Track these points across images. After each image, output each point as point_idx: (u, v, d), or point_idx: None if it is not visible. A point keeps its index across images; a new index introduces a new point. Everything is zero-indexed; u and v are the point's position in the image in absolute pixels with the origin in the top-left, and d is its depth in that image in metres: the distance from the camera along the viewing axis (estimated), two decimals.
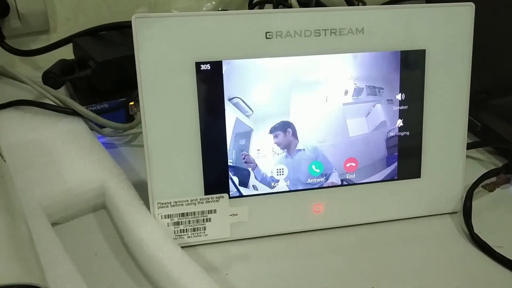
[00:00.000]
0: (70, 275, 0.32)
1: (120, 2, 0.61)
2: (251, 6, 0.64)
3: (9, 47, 0.55)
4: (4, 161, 0.32)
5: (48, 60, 0.54)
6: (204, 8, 0.64)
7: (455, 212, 0.42)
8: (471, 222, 0.40)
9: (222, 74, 0.36)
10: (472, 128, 0.52)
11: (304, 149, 0.39)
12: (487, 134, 0.51)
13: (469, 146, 0.50)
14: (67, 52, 0.55)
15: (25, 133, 0.44)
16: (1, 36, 0.55)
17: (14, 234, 0.25)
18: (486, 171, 0.46)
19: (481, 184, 0.45)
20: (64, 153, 0.42)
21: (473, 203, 0.43)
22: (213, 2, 0.64)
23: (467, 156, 0.49)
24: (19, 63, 0.59)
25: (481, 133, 0.51)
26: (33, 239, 0.28)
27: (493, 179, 0.46)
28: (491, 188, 0.45)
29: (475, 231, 0.40)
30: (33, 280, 0.24)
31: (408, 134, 0.40)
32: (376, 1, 0.68)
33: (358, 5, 0.64)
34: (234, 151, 0.37)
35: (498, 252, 0.38)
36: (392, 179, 0.41)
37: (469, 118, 0.51)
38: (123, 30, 0.54)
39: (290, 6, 0.57)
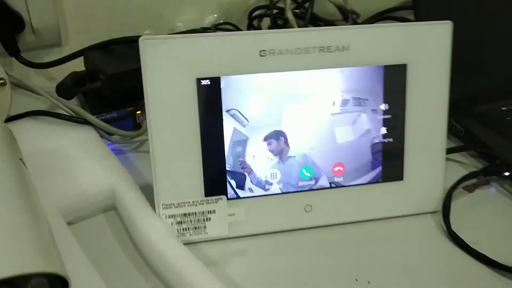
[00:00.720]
0: (84, 267, 0.36)
1: (128, 16, 0.64)
2: (251, 19, 0.68)
3: (24, 60, 0.59)
4: (26, 168, 0.36)
5: (61, 71, 0.58)
6: (207, 21, 0.67)
7: (436, 212, 0.46)
8: (449, 220, 0.44)
9: (220, 89, 0.40)
10: (456, 133, 0.55)
11: (295, 156, 0.42)
12: (470, 139, 0.54)
13: (453, 150, 0.53)
14: (77, 64, 0.58)
15: (41, 141, 0.48)
16: (17, 50, 0.59)
17: (37, 230, 0.29)
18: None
19: (462, 186, 0.49)
20: (77, 159, 0.46)
21: (454, 203, 0.46)
22: (215, 15, 0.68)
23: (451, 159, 0.53)
24: (33, 74, 0.62)
25: (464, 138, 0.54)
26: (53, 235, 0.32)
27: (474, 181, 0.49)
28: (471, 189, 0.49)
29: (453, 229, 0.43)
30: (56, 270, 0.27)
31: (391, 140, 0.44)
32: (368, 12, 0.72)
33: (352, 16, 0.67)
34: (231, 157, 0.41)
35: (473, 248, 0.41)
36: (377, 182, 0.44)
37: (453, 124, 0.54)
38: (131, 44, 0.57)
39: (286, 20, 0.61)
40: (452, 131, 0.55)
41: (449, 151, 0.52)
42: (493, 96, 0.57)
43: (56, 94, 0.53)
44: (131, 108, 0.54)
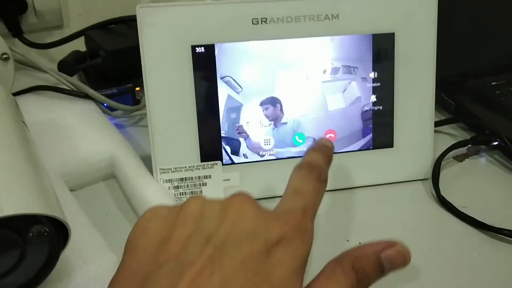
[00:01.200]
0: (84, 225, 0.37)
1: None
2: None
3: (27, 41, 0.61)
4: (28, 129, 0.38)
5: (62, 52, 0.59)
6: None
7: (426, 179, 0.47)
8: (439, 186, 0.45)
9: (214, 56, 0.41)
10: (446, 107, 0.56)
11: (287, 122, 0.44)
12: (460, 112, 0.55)
13: (443, 122, 0.54)
14: (79, 46, 0.60)
15: (44, 113, 0.49)
16: (20, 31, 0.61)
17: (39, 179, 0.31)
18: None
19: (452, 155, 0.50)
20: (79, 129, 0.47)
21: (444, 171, 0.47)
22: None
23: (442, 132, 0.54)
24: (35, 56, 0.64)
25: (454, 112, 0.56)
26: (53, 187, 0.33)
27: (464, 150, 0.51)
28: (461, 158, 0.50)
29: (442, 194, 0.44)
30: (57, 214, 0.29)
31: (381, 108, 0.45)
32: None
33: None
34: (226, 123, 0.43)
35: (462, 211, 0.43)
36: (367, 149, 0.46)
37: (444, 98, 0.56)
38: (130, 23, 0.58)
39: None
40: (443, 105, 0.56)
41: (439, 123, 0.54)
42: (483, 71, 0.58)
43: (58, 71, 0.55)
44: (130, 85, 0.55)
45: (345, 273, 0.25)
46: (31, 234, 0.29)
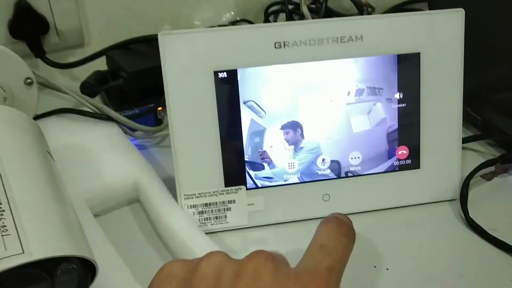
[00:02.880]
0: (110, 256, 0.37)
1: (147, 16, 0.66)
2: (267, 15, 0.69)
3: (49, 61, 0.61)
4: (53, 160, 0.38)
5: (84, 71, 0.60)
6: (224, 19, 0.69)
7: (454, 200, 0.46)
8: (467, 207, 0.44)
9: (237, 81, 0.41)
10: (473, 122, 0.55)
11: (310, 146, 0.43)
12: (487, 127, 0.54)
13: (470, 139, 0.53)
14: (100, 63, 0.60)
15: (67, 137, 0.50)
16: (43, 51, 0.61)
17: (65, 216, 0.31)
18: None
19: (480, 174, 0.49)
20: (102, 153, 0.48)
21: (472, 191, 0.46)
22: (232, 13, 0.69)
23: (469, 148, 0.53)
24: (58, 75, 0.65)
25: (481, 127, 0.55)
26: (80, 223, 0.33)
27: (492, 168, 0.49)
28: (489, 177, 0.49)
29: (471, 216, 0.43)
30: (85, 254, 0.29)
31: (407, 129, 0.44)
32: (383, 6, 0.72)
33: (367, 10, 0.68)
34: (249, 147, 0.42)
35: (492, 234, 0.42)
36: (393, 170, 0.45)
37: (470, 113, 0.54)
38: (150, 42, 0.59)
39: (302, 14, 0.62)
40: (469, 120, 0.55)
41: (466, 140, 0.52)
42: (510, 84, 0.57)
43: (80, 92, 0.55)
44: (152, 105, 0.55)
45: None
46: (59, 272, 0.29)
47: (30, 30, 0.60)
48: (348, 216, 0.32)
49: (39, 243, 0.27)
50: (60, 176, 0.37)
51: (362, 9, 0.67)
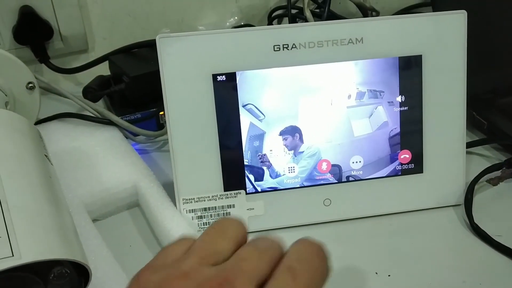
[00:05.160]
0: (107, 260, 0.37)
1: (150, 21, 0.66)
2: (270, 20, 0.68)
3: (53, 66, 0.61)
4: (51, 164, 0.38)
5: (88, 76, 0.60)
6: (228, 24, 0.69)
7: (458, 205, 0.45)
8: (472, 213, 0.43)
9: (236, 84, 0.41)
10: (478, 127, 0.54)
11: (310, 150, 0.43)
12: (493, 131, 0.53)
13: (476, 144, 0.52)
14: (104, 68, 0.60)
15: (69, 141, 0.50)
16: (47, 57, 0.61)
17: (59, 220, 0.30)
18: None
19: (486, 179, 0.48)
20: (102, 158, 0.47)
21: (478, 196, 0.45)
22: (236, 18, 0.69)
23: (474, 153, 0.52)
24: (62, 79, 0.65)
25: (487, 131, 0.54)
26: (75, 227, 0.33)
27: (498, 173, 0.48)
28: (495, 182, 0.48)
29: (476, 222, 0.42)
30: (77, 258, 0.28)
31: (409, 132, 0.44)
32: (388, 10, 0.72)
33: (372, 14, 0.67)
34: (249, 151, 0.42)
35: (496, 240, 0.41)
36: (396, 175, 0.44)
37: (475, 117, 0.54)
38: (153, 47, 0.58)
39: (305, 19, 0.61)
40: (474, 124, 0.54)
41: (471, 144, 0.51)
42: None
43: (82, 97, 0.55)
44: (154, 109, 0.55)
45: None
46: (52, 276, 0.29)
47: (34, 35, 0.60)
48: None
49: (30, 246, 0.27)
50: (57, 180, 0.37)
51: (367, 13, 0.66)
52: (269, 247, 0.25)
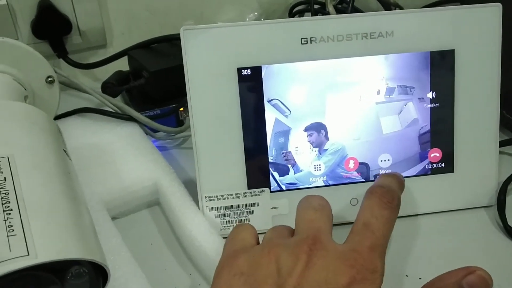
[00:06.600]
0: (126, 261, 0.36)
1: (169, 16, 0.65)
2: (292, 15, 0.67)
3: (71, 61, 0.61)
4: (70, 159, 0.36)
5: (106, 71, 0.59)
6: (247, 19, 0.67)
7: (490, 206, 0.44)
8: (505, 214, 0.41)
9: (261, 78, 0.39)
10: (509, 126, 0.52)
11: (336, 147, 0.41)
12: None
13: (506, 143, 0.50)
14: (123, 64, 0.60)
15: (88, 137, 0.49)
16: (65, 52, 0.60)
17: (78, 218, 0.29)
18: None
19: None
20: (122, 154, 0.46)
21: (510, 197, 0.44)
22: (256, 13, 0.67)
23: (505, 153, 0.50)
24: (80, 75, 0.64)
25: None
26: (94, 225, 0.32)
27: None
28: None
29: (510, 224, 0.41)
30: (95, 258, 0.27)
31: (440, 130, 0.42)
32: (412, 6, 0.70)
33: (395, 10, 0.66)
34: (274, 148, 0.41)
35: None
36: (425, 174, 0.42)
37: (505, 115, 0.52)
38: (172, 42, 0.57)
39: (328, 14, 0.60)
40: (505, 123, 0.52)
41: (502, 143, 0.49)
42: None
43: (101, 92, 0.54)
44: (173, 105, 0.54)
45: None
46: (69, 275, 0.28)
47: (53, 30, 0.59)
48: None
49: (46, 245, 0.26)
50: (76, 176, 0.35)
51: (390, 9, 0.65)
52: (324, 205, 0.31)
